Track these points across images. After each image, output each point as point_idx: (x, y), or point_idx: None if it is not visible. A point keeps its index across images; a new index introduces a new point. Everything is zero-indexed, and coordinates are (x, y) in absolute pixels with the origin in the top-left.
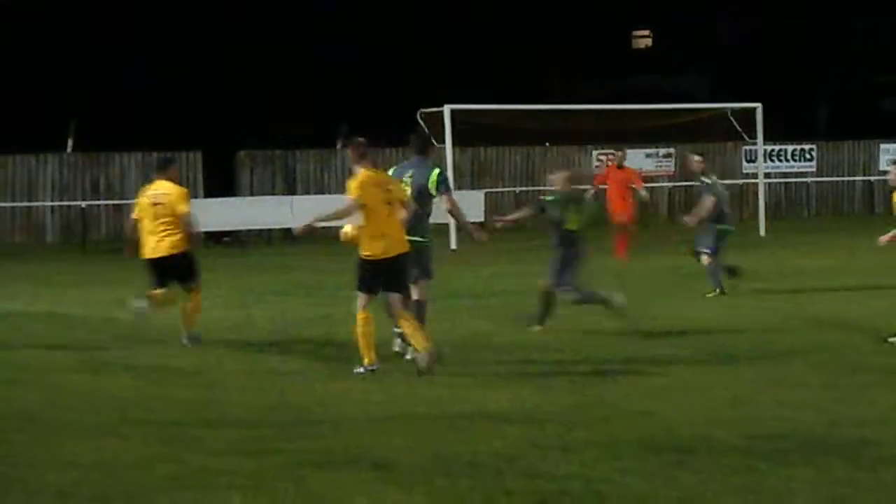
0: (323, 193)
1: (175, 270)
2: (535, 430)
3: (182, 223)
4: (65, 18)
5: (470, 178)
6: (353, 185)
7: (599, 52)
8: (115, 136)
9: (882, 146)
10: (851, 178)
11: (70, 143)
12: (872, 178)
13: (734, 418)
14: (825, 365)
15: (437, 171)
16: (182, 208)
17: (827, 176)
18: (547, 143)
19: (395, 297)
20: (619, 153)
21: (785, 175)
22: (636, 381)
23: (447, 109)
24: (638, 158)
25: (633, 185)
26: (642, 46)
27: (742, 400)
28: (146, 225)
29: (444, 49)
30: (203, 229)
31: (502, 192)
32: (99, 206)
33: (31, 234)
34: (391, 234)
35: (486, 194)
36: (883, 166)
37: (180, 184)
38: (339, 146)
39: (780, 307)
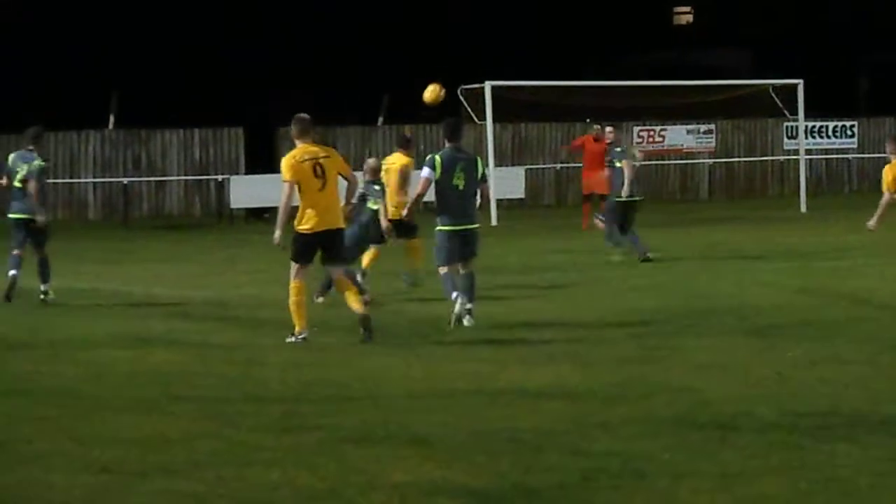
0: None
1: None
2: (575, 406)
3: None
4: None
5: (511, 155)
6: (282, 165)
7: (641, 27)
8: (156, 113)
9: None
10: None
11: (112, 119)
12: None
13: (776, 395)
14: (868, 341)
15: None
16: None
17: (868, 152)
18: (588, 120)
19: (334, 270)
20: (597, 127)
21: (826, 151)
22: (677, 357)
23: (488, 86)
24: (679, 134)
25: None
26: (684, 22)
27: (784, 377)
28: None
29: (484, 25)
30: (244, 206)
31: (543, 170)
32: (140, 182)
33: (73, 210)
34: (325, 208)
35: (526, 171)
36: None
37: (223, 160)
38: (380, 121)
39: (821, 284)
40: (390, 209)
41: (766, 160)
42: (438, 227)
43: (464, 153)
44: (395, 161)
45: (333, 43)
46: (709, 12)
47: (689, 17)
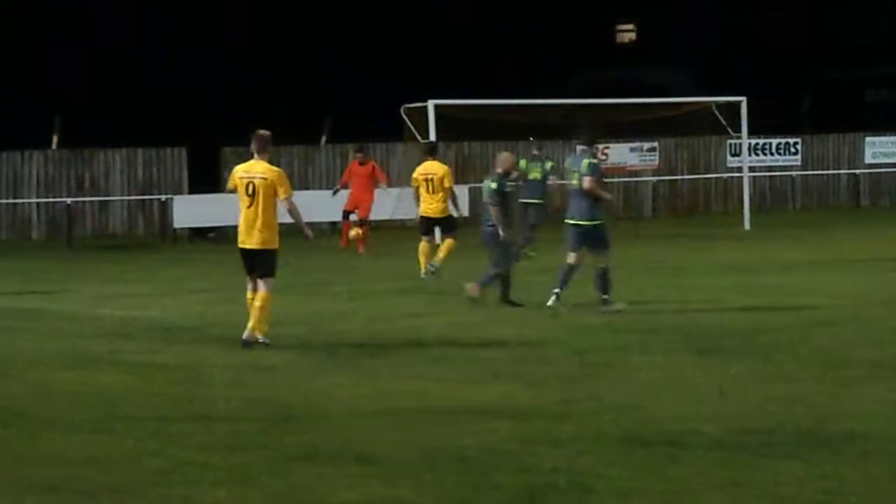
0: (307, 189)
1: None
2: (521, 424)
3: None
4: (50, 15)
5: (454, 172)
6: None
7: (583, 46)
8: (100, 133)
9: (867, 139)
10: (836, 172)
11: (55, 139)
12: (858, 171)
13: (722, 412)
14: (813, 359)
15: (586, 161)
16: None
17: (812, 169)
18: (531, 138)
19: (258, 282)
20: (360, 153)
21: (770, 168)
22: (623, 375)
23: (431, 104)
24: (622, 152)
25: (379, 181)
26: (627, 40)
27: (730, 394)
28: None
29: (427, 44)
30: (188, 225)
31: None
32: (84, 202)
33: (16, 230)
34: (248, 225)
35: (470, 189)
36: (868, 159)
37: (166, 180)
38: (323, 141)
39: (765, 301)
40: (432, 208)
41: (710, 178)
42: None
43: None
44: (437, 170)
45: (277, 63)
46: (652, 30)
47: (632, 35)
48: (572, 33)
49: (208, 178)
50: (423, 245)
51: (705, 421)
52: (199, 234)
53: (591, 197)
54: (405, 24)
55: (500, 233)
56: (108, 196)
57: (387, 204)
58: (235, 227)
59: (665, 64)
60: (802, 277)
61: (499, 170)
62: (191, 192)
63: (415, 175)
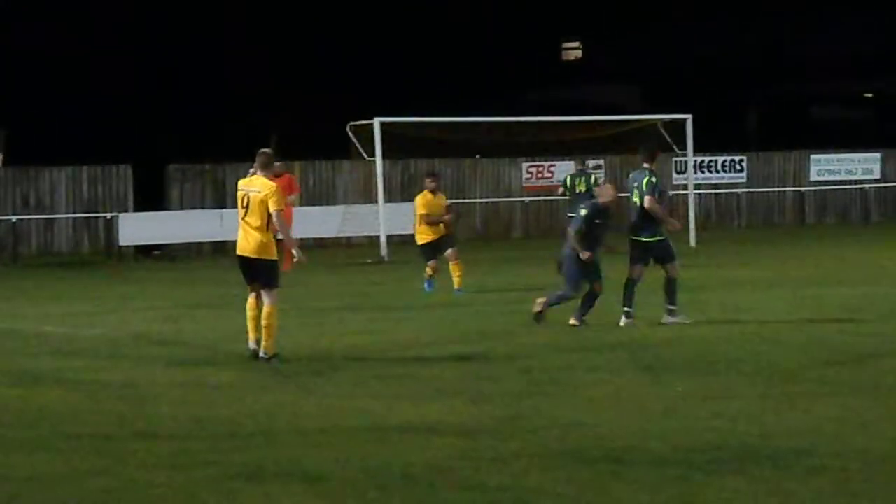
0: None
1: None
2: (467, 441)
3: None
4: None
5: (400, 190)
6: None
7: (529, 63)
8: (45, 150)
9: (812, 156)
10: (782, 189)
11: (0, 157)
12: (803, 189)
13: (668, 429)
14: (758, 375)
15: (646, 178)
16: None
17: (757, 187)
18: (477, 156)
19: (260, 291)
20: (278, 164)
21: (715, 186)
22: (569, 392)
23: (377, 122)
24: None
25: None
26: (572, 58)
27: (676, 411)
28: None
29: (375, 62)
30: (133, 243)
31: None
32: (29, 220)
33: None
34: (244, 235)
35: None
36: (814, 176)
37: (112, 198)
38: None
39: (711, 318)
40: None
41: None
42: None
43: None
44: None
45: (223, 81)
46: (597, 48)
47: (578, 53)
48: (518, 51)
49: (154, 196)
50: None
51: (651, 438)
52: (145, 252)
53: (651, 214)
54: (354, 41)
55: (582, 254)
56: (54, 214)
57: (334, 222)
58: (180, 245)
59: (611, 81)
60: (748, 295)
61: (600, 201)
62: (136, 210)
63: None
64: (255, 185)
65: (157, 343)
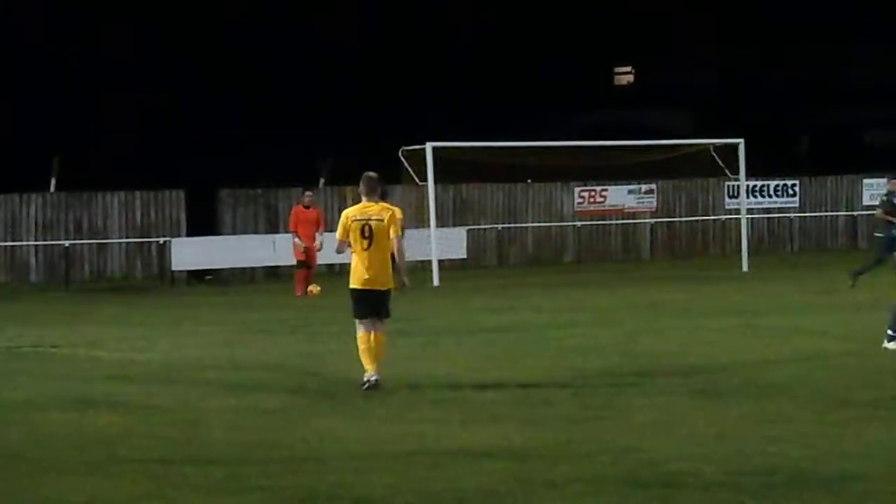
0: None
1: None
2: (519, 466)
3: None
4: (47, 56)
5: (452, 215)
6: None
7: (582, 88)
8: (98, 175)
9: (865, 181)
10: (835, 213)
11: (53, 181)
12: (856, 213)
13: (721, 454)
14: (811, 400)
15: None
16: None
17: (810, 211)
18: (529, 180)
19: (374, 326)
20: (307, 195)
21: (768, 210)
22: (622, 416)
23: (429, 147)
24: (620, 194)
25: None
26: (625, 83)
27: (728, 435)
28: None
29: (426, 87)
30: (186, 268)
31: (484, 230)
32: (82, 245)
33: (14, 273)
34: (367, 267)
35: (468, 231)
36: (867, 201)
37: (164, 222)
38: (321, 183)
39: (764, 342)
40: None
41: (708, 219)
42: None
43: None
44: None
45: (276, 105)
46: (649, 73)
47: (630, 78)
48: (570, 76)
49: (206, 221)
50: None
51: (703, 462)
52: (197, 276)
53: None
54: (406, 66)
55: None
56: (107, 239)
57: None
58: (233, 270)
59: (663, 106)
60: (801, 319)
61: None
62: (189, 235)
63: None
64: (374, 213)
65: (210, 367)
